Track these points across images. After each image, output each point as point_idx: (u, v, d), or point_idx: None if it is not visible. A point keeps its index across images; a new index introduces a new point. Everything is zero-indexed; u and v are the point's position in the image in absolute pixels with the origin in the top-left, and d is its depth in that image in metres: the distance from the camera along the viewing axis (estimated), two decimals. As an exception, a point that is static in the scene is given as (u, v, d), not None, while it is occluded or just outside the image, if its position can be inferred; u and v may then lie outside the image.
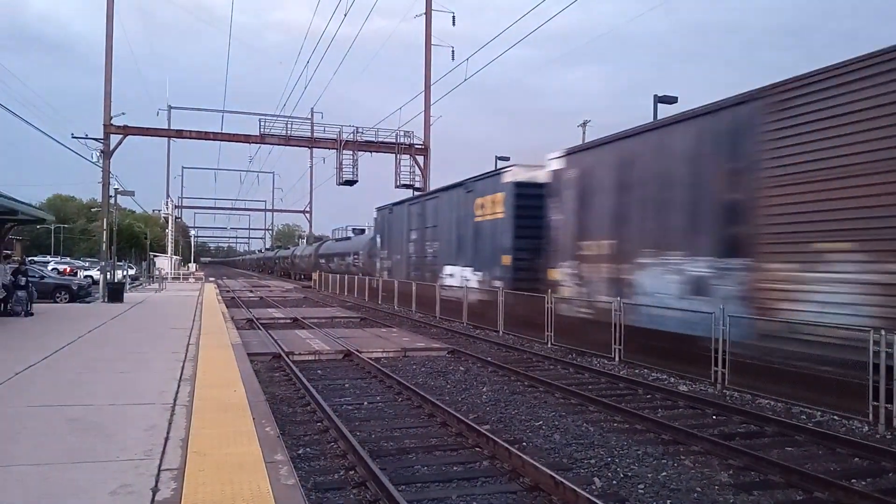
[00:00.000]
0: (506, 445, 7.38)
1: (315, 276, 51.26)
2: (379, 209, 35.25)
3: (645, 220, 14.42)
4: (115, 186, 33.59)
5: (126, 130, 32.52)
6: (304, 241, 78.22)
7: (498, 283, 20.36)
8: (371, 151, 38.53)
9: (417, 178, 37.87)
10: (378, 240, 35.51)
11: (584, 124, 46.03)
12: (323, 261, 53.49)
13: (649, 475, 6.99)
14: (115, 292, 25.63)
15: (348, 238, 50.10)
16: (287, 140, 37.48)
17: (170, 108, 46.27)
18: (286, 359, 13.93)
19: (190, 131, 36.83)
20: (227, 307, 25.43)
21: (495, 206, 21.17)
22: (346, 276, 39.90)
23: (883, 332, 8.80)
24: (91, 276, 38.22)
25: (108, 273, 30.00)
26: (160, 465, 5.06)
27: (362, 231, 47.93)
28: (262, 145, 40.86)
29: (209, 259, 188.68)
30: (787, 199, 10.92)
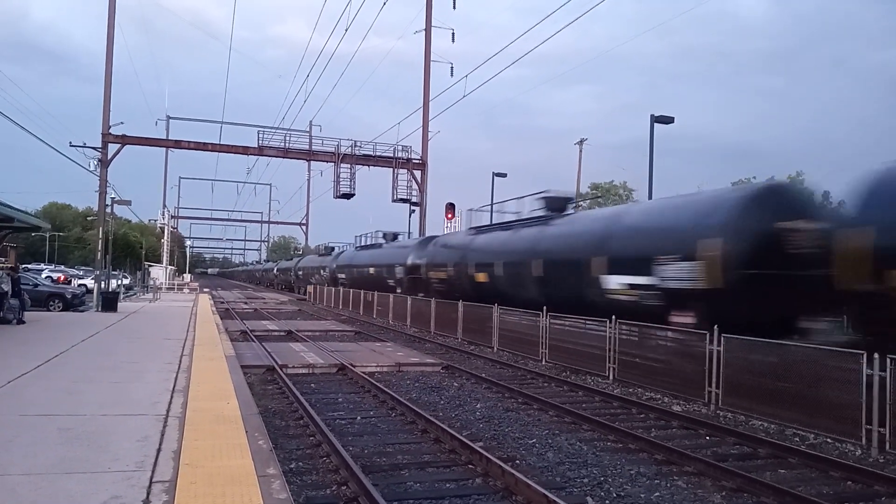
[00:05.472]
0: (499, 463, 7.37)
1: (310, 289, 51.89)
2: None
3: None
4: (112, 195, 33.58)
5: (124, 140, 32.43)
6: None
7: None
8: (369, 165, 38.58)
9: (414, 193, 37.91)
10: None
11: (580, 142, 46.36)
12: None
13: (642, 495, 6.98)
14: (109, 302, 25.51)
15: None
16: (285, 152, 37.48)
17: (168, 118, 46.29)
18: (280, 372, 13.88)
19: (188, 142, 36.76)
20: (221, 318, 25.37)
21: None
22: (342, 290, 39.92)
23: (876, 356, 8.83)
24: (85, 285, 38.05)
25: (103, 282, 29.90)
26: (152, 477, 5.04)
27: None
28: (260, 157, 40.98)
29: (216, 271, 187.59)
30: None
